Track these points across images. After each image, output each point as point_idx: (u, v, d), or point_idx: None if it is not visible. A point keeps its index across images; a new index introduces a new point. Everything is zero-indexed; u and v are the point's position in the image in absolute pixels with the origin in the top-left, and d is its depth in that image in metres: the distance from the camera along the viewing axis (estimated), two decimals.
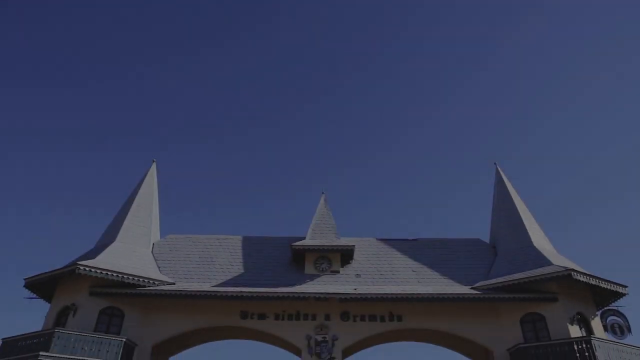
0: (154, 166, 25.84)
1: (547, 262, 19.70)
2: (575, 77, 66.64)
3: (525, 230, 22.03)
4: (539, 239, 22.04)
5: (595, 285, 19.13)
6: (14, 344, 17.83)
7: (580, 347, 17.01)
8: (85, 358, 16.89)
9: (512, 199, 23.75)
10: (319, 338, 19.45)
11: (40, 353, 16.32)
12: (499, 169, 25.58)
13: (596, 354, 16.63)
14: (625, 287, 19.72)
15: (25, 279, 19.82)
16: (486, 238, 24.50)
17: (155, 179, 25.48)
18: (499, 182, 25.02)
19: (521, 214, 22.85)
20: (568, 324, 18.34)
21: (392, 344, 23.79)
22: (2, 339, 18.31)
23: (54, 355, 16.49)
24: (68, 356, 16.69)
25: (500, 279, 19.94)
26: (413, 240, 23.95)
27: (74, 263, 18.75)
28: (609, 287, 19.39)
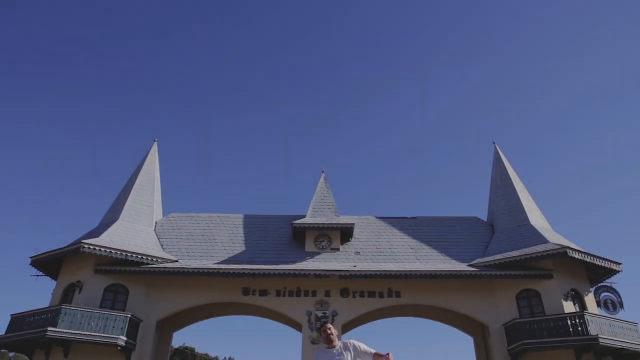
0: (155, 146, 25.78)
1: (543, 240, 19.88)
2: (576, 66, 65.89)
3: (523, 208, 22.13)
4: (536, 217, 22.18)
5: (589, 262, 19.37)
6: (22, 319, 18.16)
7: (573, 322, 17.34)
8: (92, 333, 17.22)
9: (510, 177, 23.78)
10: (319, 314, 19.79)
11: (48, 328, 16.63)
12: (498, 148, 25.54)
13: (588, 328, 16.96)
14: (619, 264, 19.95)
15: (31, 257, 20.02)
16: (484, 216, 24.66)
17: (157, 159, 25.46)
18: (498, 161, 25.00)
19: (519, 192, 22.92)
20: (562, 300, 18.64)
21: (391, 319, 24.25)
22: (11, 315, 18.62)
23: (62, 330, 16.81)
24: (75, 331, 17.01)
25: (497, 257, 20.15)
26: (412, 218, 24.08)
27: (79, 242, 18.89)
28: (603, 264, 19.62)
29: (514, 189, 23.09)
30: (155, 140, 25.96)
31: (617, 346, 17.14)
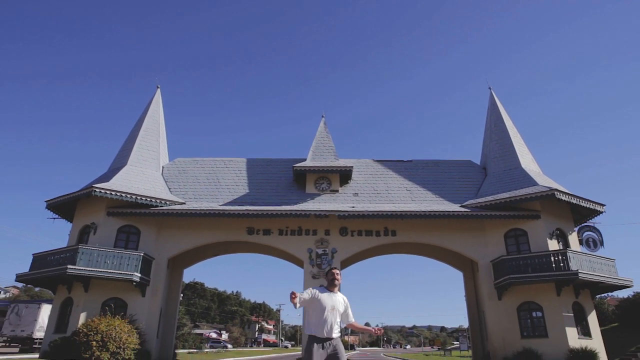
0: (158, 92, 25.44)
1: (533, 183, 20.22)
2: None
3: (515, 152, 22.27)
4: (527, 161, 22.38)
5: (575, 204, 19.81)
6: (43, 258, 18.92)
7: (556, 258, 18.04)
8: (109, 270, 18.00)
9: (504, 122, 23.68)
10: (320, 251, 20.55)
11: (68, 266, 17.36)
12: (494, 93, 25.19)
13: (570, 264, 17.69)
14: (603, 205, 20.42)
15: (46, 201, 20.48)
16: (478, 160, 24.86)
17: (161, 105, 25.22)
18: (493, 107, 24.77)
19: (512, 137, 22.93)
20: (548, 238, 19.27)
21: (386, 256, 25.18)
22: (33, 254, 19.39)
23: (80, 268, 17.55)
24: (93, 269, 17.77)
25: (488, 198, 20.58)
26: (408, 161, 24.29)
27: (90, 186, 19.21)
28: (588, 205, 20.08)
29: (507, 133, 23.09)
30: (158, 87, 25.58)
31: (595, 280, 17.98)
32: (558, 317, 18.07)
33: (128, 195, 19.44)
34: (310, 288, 5.54)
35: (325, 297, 5.44)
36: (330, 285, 5.54)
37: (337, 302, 5.45)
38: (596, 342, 18.30)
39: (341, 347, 5.45)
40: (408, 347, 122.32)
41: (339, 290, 5.65)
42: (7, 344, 31.39)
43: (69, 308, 18.77)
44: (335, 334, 5.41)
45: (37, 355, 19.68)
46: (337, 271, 5.63)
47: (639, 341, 27.29)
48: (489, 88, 25.56)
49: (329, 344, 5.33)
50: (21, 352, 27.24)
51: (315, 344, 5.27)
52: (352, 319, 5.61)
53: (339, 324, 5.48)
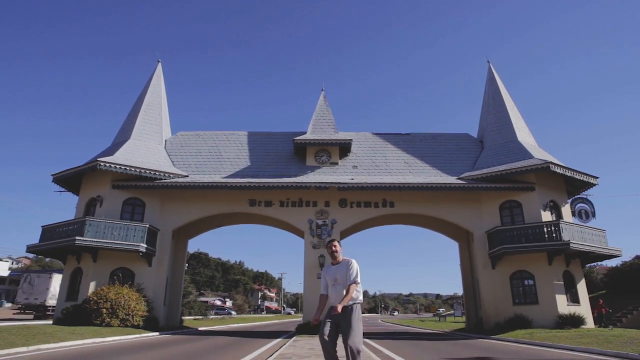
0: (159, 66, 25.11)
1: (529, 156, 20.26)
2: None
3: (511, 125, 22.19)
4: (523, 134, 22.33)
5: (569, 176, 19.91)
6: (52, 230, 19.20)
7: (549, 229, 18.30)
8: (116, 241, 18.29)
9: (501, 96, 23.47)
10: (320, 222, 20.80)
11: (77, 238, 17.65)
12: (492, 67, 24.86)
13: (562, 234, 17.95)
14: (596, 177, 20.54)
15: (52, 175, 20.59)
16: (475, 134, 24.81)
17: (162, 79, 24.93)
18: (491, 80, 24.48)
19: (509, 110, 22.79)
20: (541, 210, 19.46)
21: (384, 227, 25.49)
22: (42, 226, 19.65)
23: (88, 239, 17.84)
24: (100, 240, 18.06)
25: (484, 170, 20.67)
26: (406, 134, 24.25)
27: (95, 160, 19.28)
28: (581, 178, 20.19)
29: (505, 107, 22.93)
30: (159, 61, 25.24)
31: (585, 250, 18.29)
32: (549, 285, 18.47)
33: (132, 169, 19.53)
34: (322, 272, 5.57)
35: (327, 272, 5.44)
36: (332, 258, 5.48)
37: (338, 273, 5.36)
38: (584, 308, 18.77)
39: (349, 315, 5.10)
40: (396, 313, 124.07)
41: (342, 257, 5.51)
42: (22, 311, 32.33)
43: (78, 277, 19.18)
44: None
45: (50, 322, 20.24)
46: (335, 243, 5.53)
47: (625, 307, 28.01)
48: (488, 62, 25.26)
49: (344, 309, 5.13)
50: (35, 318, 27.99)
51: (329, 311, 5.27)
52: (351, 280, 5.25)
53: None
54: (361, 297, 5.35)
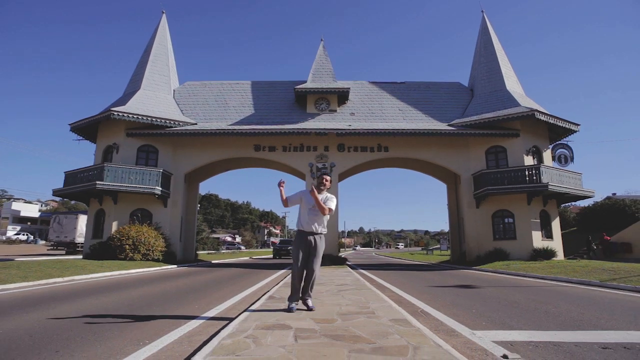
0: (164, 18, 24.18)
1: (516, 104, 20.13)
2: None
3: (501, 74, 21.82)
4: (512, 83, 22.01)
5: (552, 123, 19.89)
6: (75, 176, 19.50)
7: (530, 172, 18.58)
8: (133, 185, 18.67)
9: (493, 46, 22.84)
10: (320, 165, 21.07)
11: (97, 182, 18.01)
12: (486, 17, 23.94)
13: (542, 177, 18.26)
14: (578, 125, 20.51)
15: (70, 124, 20.58)
16: (467, 83, 24.41)
17: (167, 30, 24.11)
18: (484, 30, 23.67)
19: (499, 60, 22.29)
20: (524, 155, 19.65)
21: (380, 169, 25.82)
22: (65, 172, 19.93)
23: (107, 183, 18.21)
24: (119, 184, 18.43)
25: (473, 117, 20.63)
26: (401, 83, 23.90)
27: (108, 110, 19.21)
28: (564, 125, 20.18)
29: (495, 56, 22.40)
30: (163, 12, 24.26)
31: (562, 191, 18.68)
32: (527, 222, 19.07)
33: (144, 117, 19.50)
34: (301, 190, 5.59)
35: (308, 199, 5.35)
36: (318, 187, 5.47)
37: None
38: (556, 243, 19.50)
39: (320, 242, 5.35)
40: (401, 245, 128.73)
41: (327, 192, 5.56)
42: (55, 247, 33.77)
43: (102, 218, 19.77)
44: (319, 229, 5.33)
45: (80, 257, 21.12)
46: (327, 177, 5.55)
47: (594, 242, 28.88)
48: (482, 11, 24.29)
49: (312, 238, 5.29)
50: (67, 254, 29.17)
51: (299, 237, 5.36)
52: (328, 204, 5.31)
53: (324, 222, 5.42)
54: (326, 230, 5.52)
